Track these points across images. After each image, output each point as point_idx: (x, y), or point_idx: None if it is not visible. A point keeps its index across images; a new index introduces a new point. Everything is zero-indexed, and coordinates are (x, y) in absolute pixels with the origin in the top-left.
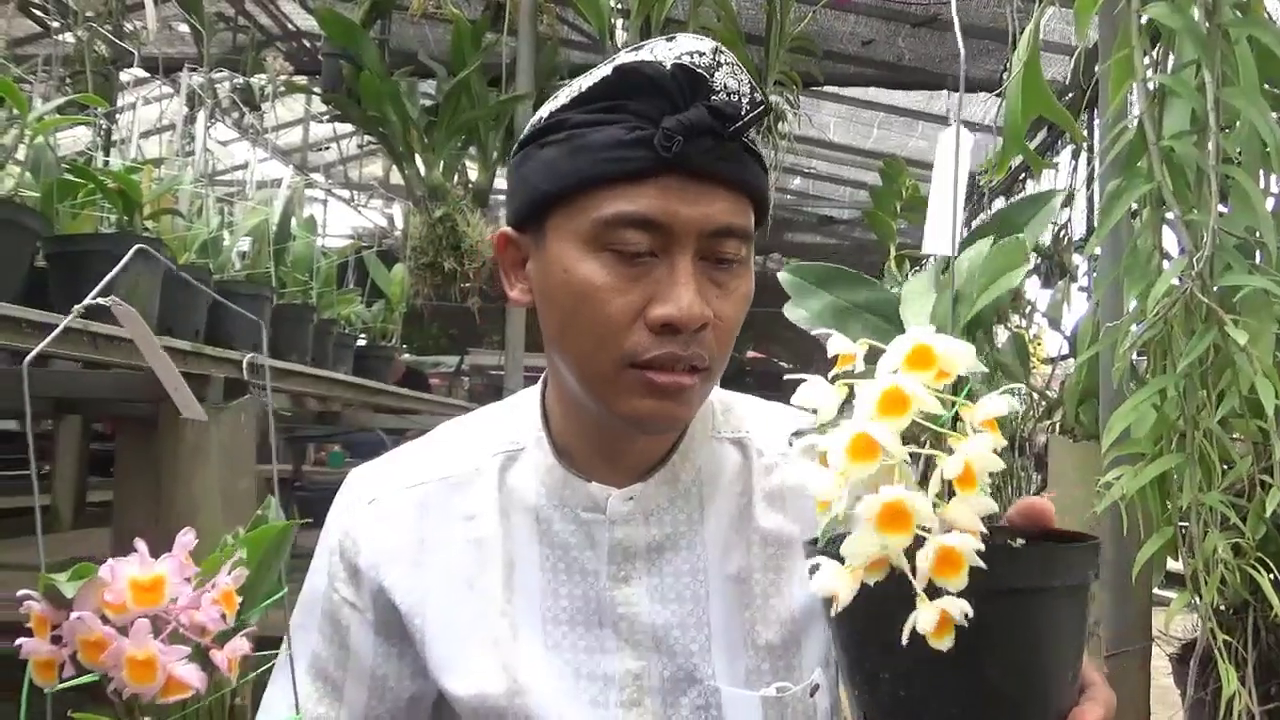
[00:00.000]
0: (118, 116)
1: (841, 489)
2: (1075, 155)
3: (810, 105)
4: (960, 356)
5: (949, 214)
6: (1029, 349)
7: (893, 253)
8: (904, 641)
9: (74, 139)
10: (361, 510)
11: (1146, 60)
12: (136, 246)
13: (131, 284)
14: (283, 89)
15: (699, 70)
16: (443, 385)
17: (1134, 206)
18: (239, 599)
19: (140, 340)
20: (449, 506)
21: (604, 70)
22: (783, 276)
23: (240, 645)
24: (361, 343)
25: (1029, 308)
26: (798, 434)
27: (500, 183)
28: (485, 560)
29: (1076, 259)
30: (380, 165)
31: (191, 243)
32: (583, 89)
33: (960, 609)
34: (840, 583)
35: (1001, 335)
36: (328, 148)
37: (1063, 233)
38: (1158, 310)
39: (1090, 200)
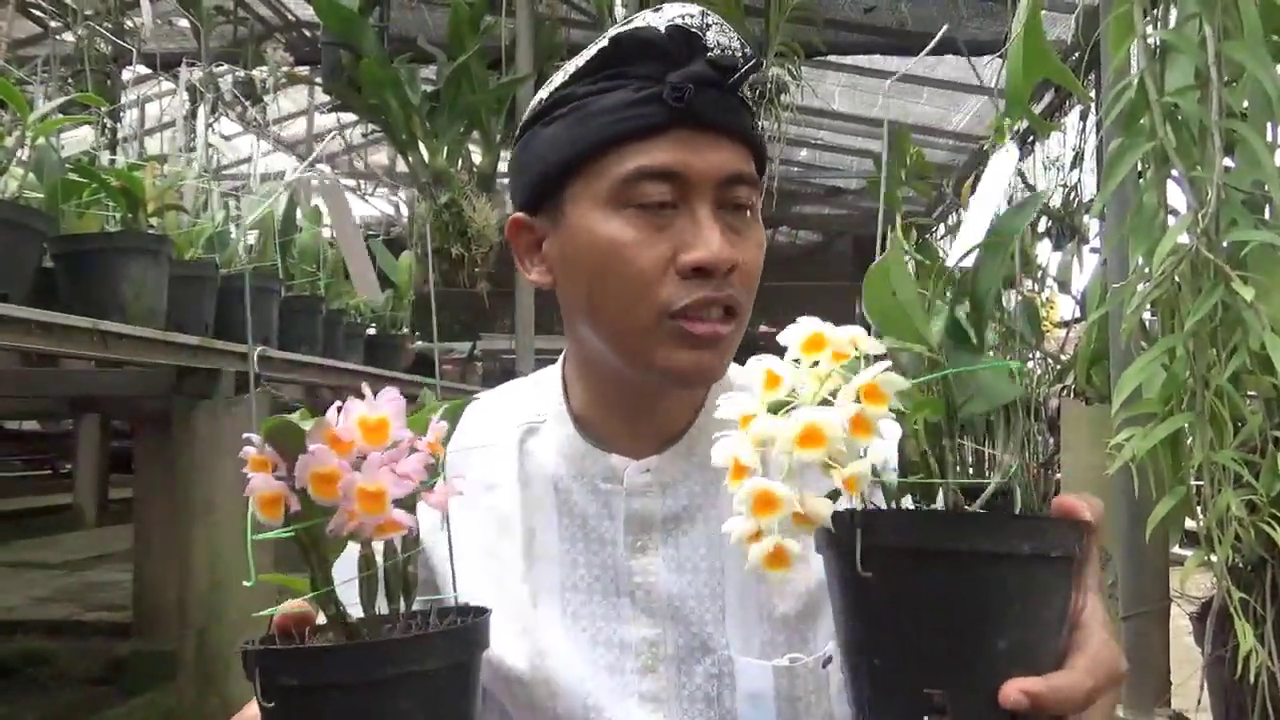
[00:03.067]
0: (122, 114)
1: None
2: (1083, 116)
3: (813, 75)
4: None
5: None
6: (1040, 313)
7: (898, 221)
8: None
9: (79, 139)
10: None
11: (1146, 16)
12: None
13: (138, 281)
14: (284, 80)
15: (693, 30)
16: (456, 371)
17: (1139, 165)
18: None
19: (335, 210)
20: (471, 475)
21: (599, 44)
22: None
23: (450, 489)
24: (371, 332)
25: (1040, 271)
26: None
27: (504, 165)
28: (505, 529)
29: (1086, 220)
30: (386, 153)
31: (197, 237)
32: (580, 65)
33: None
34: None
35: (1012, 300)
36: (333, 138)
37: (1072, 194)
38: (1164, 269)
39: (1099, 160)
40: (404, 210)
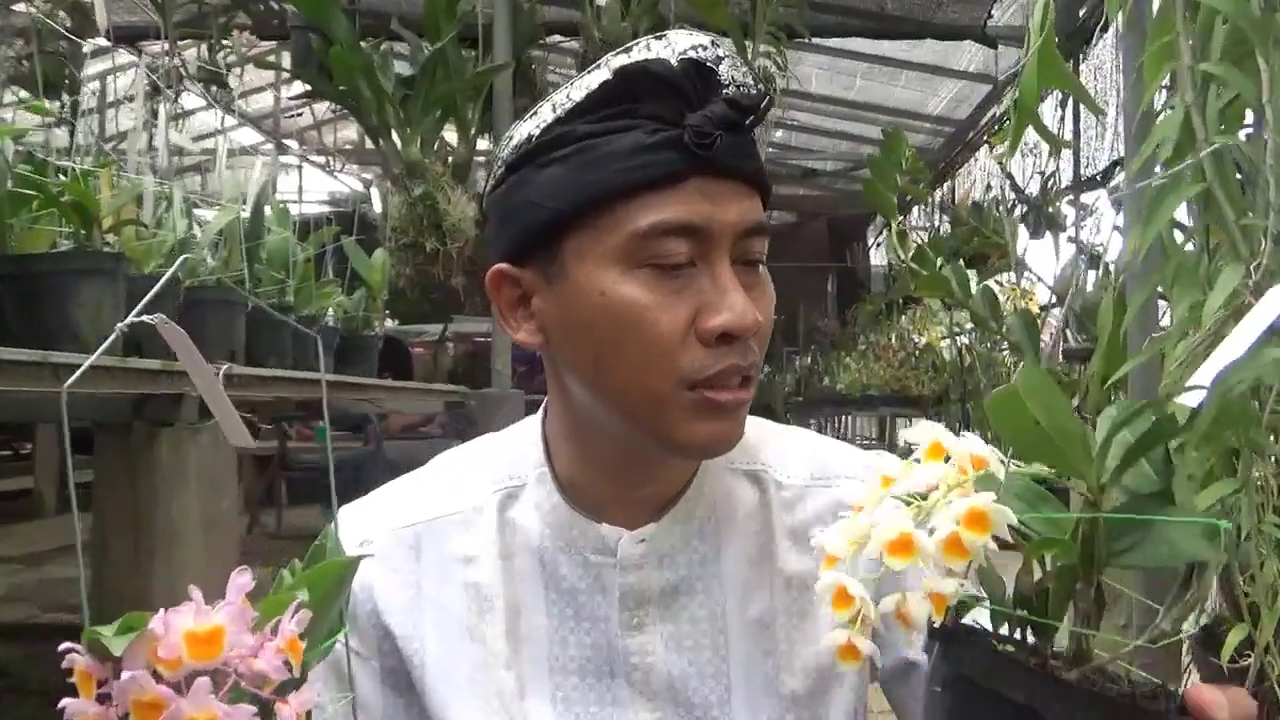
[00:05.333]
0: (81, 91)
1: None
2: (1062, 104)
3: (791, 57)
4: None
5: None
6: (1037, 325)
7: (894, 228)
8: None
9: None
10: (353, 553)
11: (1191, 45)
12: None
13: (92, 304)
14: (248, 56)
15: (708, 64)
16: (427, 353)
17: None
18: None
19: (186, 360)
20: (446, 548)
21: (600, 76)
22: None
23: (308, 697)
24: (331, 323)
25: (1018, 263)
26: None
27: (480, 171)
28: (486, 607)
29: (1062, 205)
30: (355, 129)
31: (158, 249)
32: (577, 100)
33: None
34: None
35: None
36: (300, 113)
37: (1050, 181)
38: (1213, 323)
39: (1076, 153)
40: (374, 198)
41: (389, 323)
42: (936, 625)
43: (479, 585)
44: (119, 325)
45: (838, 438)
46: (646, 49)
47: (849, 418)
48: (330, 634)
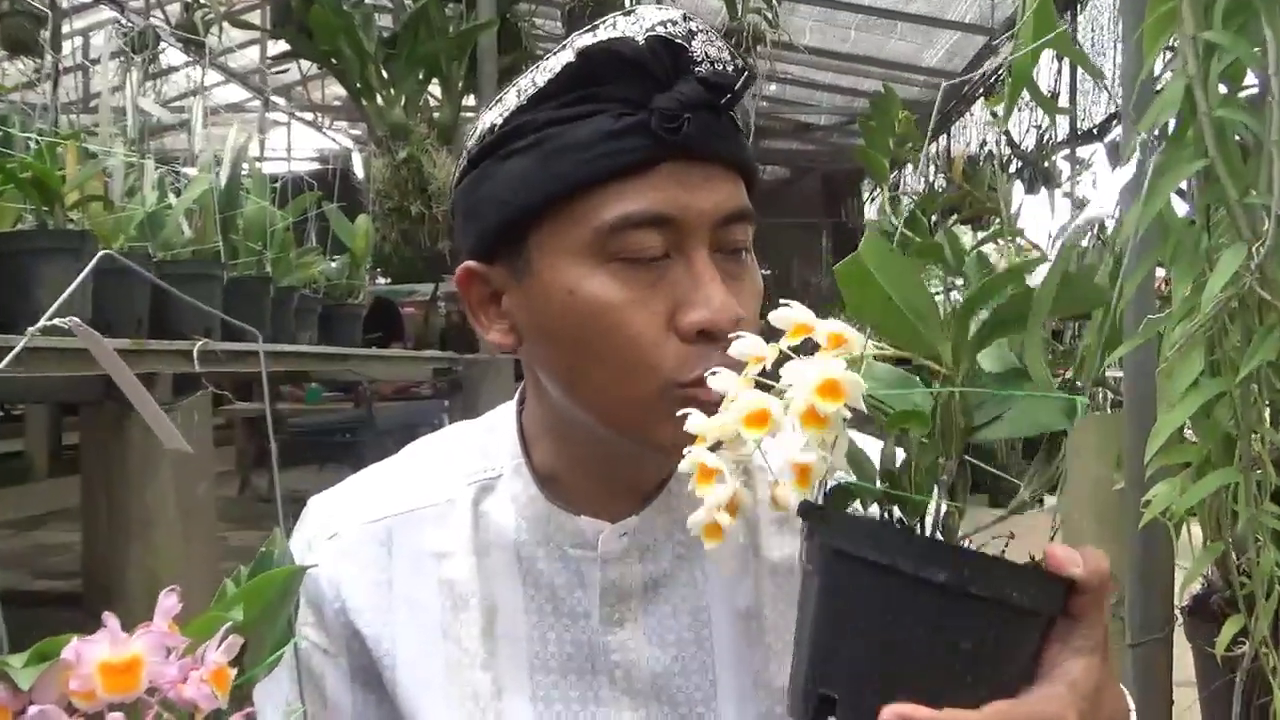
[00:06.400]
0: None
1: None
2: (1058, 56)
3: (784, 9)
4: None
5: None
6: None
7: (886, 193)
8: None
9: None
10: (322, 547)
11: (1194, 12)
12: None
13: (56, 284)
14: (226, 20)
15: (678, 40)
16: (419, 313)
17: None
18: (233, 671)
19: (108, 365)
20: (418, 543)
21: (563, 58)
22: None
23: None
24: (308, 294)
25: (1011, 226)
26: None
27: (465, 121)
28: (460, 605)
29: (1057, 160)
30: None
31: (126, 224)
32: (541, 84)
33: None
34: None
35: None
36: (287, 69)
37: (1046, 136)
38: (1214, 307)
39: (1073, 95)
40: (356, 159)
41: (380, 281)
42: (805, 503)
43: (453, 582)
44: (30, 330)
45: None
46: (613, 27)
47: None
48: (277, 646)
